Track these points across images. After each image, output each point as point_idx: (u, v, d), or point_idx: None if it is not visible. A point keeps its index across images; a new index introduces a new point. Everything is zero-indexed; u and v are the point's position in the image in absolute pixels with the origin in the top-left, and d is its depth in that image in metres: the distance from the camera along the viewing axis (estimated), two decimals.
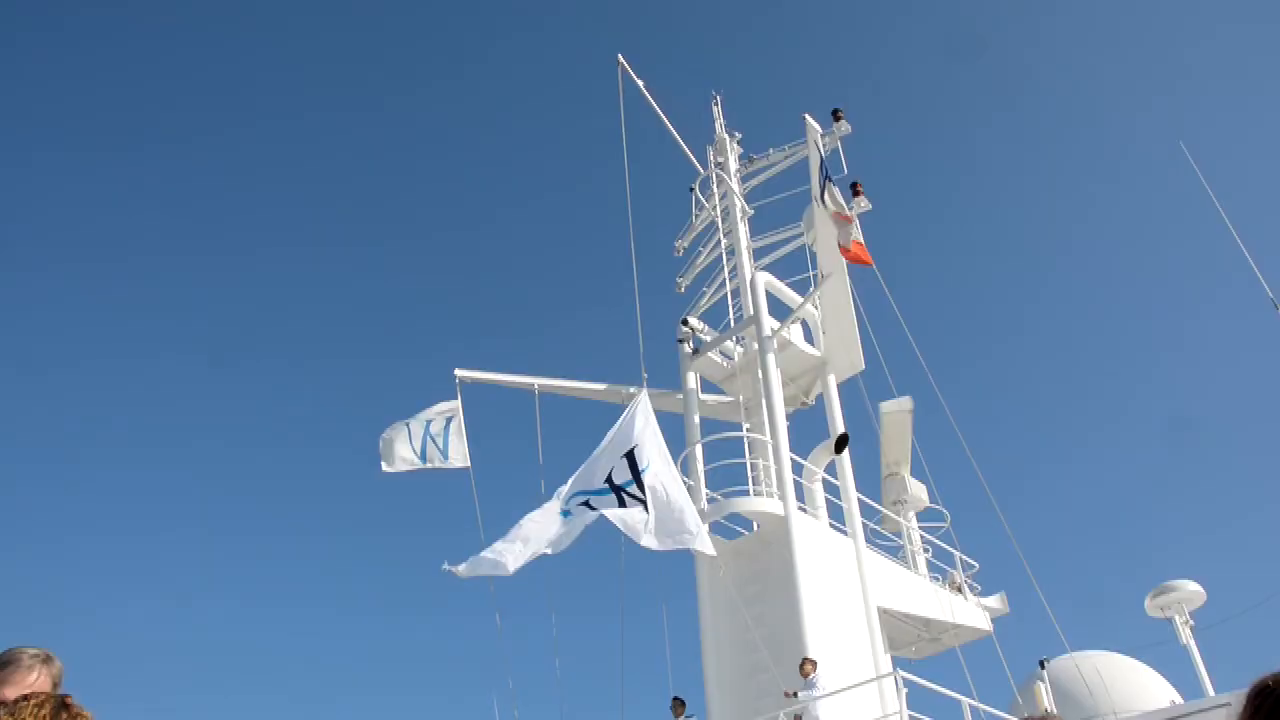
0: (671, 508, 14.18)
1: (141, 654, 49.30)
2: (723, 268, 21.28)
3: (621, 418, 15.65)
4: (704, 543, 14.46)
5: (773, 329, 18.68)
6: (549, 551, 14.07)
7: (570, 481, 14.94)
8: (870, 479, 20.46)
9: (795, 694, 13.30)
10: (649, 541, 13.98)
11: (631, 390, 18.04)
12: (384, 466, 16.49)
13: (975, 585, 19.71)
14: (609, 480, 14.67)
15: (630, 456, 14.78)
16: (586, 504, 14.54)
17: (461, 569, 13.95)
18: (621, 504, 14.29)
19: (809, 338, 19.80)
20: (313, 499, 60.42)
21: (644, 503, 14.18)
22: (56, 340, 57.45)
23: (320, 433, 60.86)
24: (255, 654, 53.30)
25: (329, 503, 60.02)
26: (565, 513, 14.59)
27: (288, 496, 60.23)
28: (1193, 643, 17.32)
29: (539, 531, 14.12)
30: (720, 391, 20.13)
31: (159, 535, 56.09)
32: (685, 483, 16.43)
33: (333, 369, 62.61)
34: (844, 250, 17.20)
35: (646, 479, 14.37)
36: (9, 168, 54.68)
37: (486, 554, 13.97)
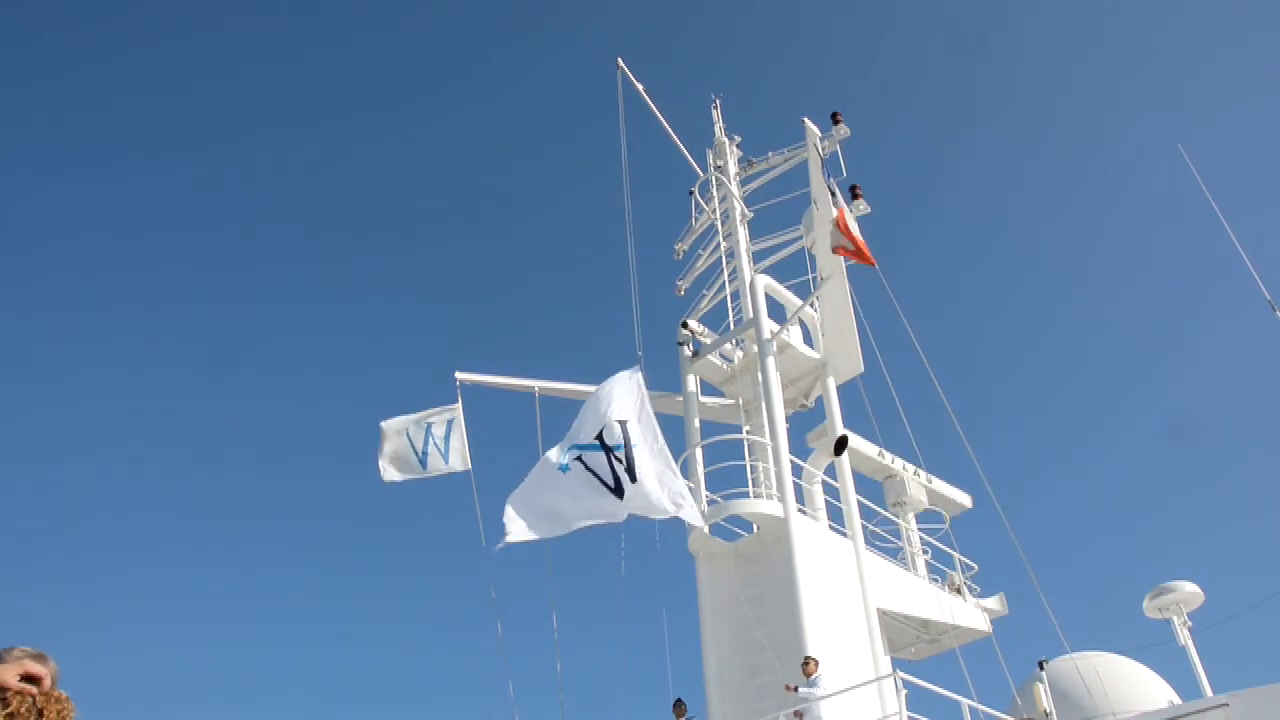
0: (660, 480, 14.07)
1: (139, 664, 49.27)
2: (722, 270, 21.36)
3: (612, 384, 15.55)
4: (691, 513, 14.33)
5: (772, 331, 18.75)
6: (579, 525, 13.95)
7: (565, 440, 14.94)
8: (867, 479, 20.54)
9: (796, 689, 13.37)
10: (632, 510, 13.85)
11: None
12: (384, 476, 16.38)
13: (974, 586, 19.78)
14: (599, 438, 14.61)
15: (624, 426, 14.71)
16: (580, 459, 14.51)
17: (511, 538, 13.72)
18: (610, 466, 14.20)
19: (808, 340, 19.87)
20: (312, 505, 60.48)
21: (628, 469, 14.08)
22: (57, 346, 57.49)
23: (320, 437, 60.92)
24: (253, 664, 53.23)
25: (328, 508, 60.03)
26: (564, 467, 14.56)
27: (286, 503, 60.29)
28: (1191, 643, 17.37)
29: (560, 503, 14.01)
30: (720, 394, 20.19)
31: (156, 544, 56.03)
32: (687, 485, 16.46)
33: (333, 373, 62.70)
34: (844, 250, 17.24)
35: (636, 454, 14.30)
36: (9, 171, 54.80)
37: (518, 516, 13.75)
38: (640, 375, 15.60)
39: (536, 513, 13.95)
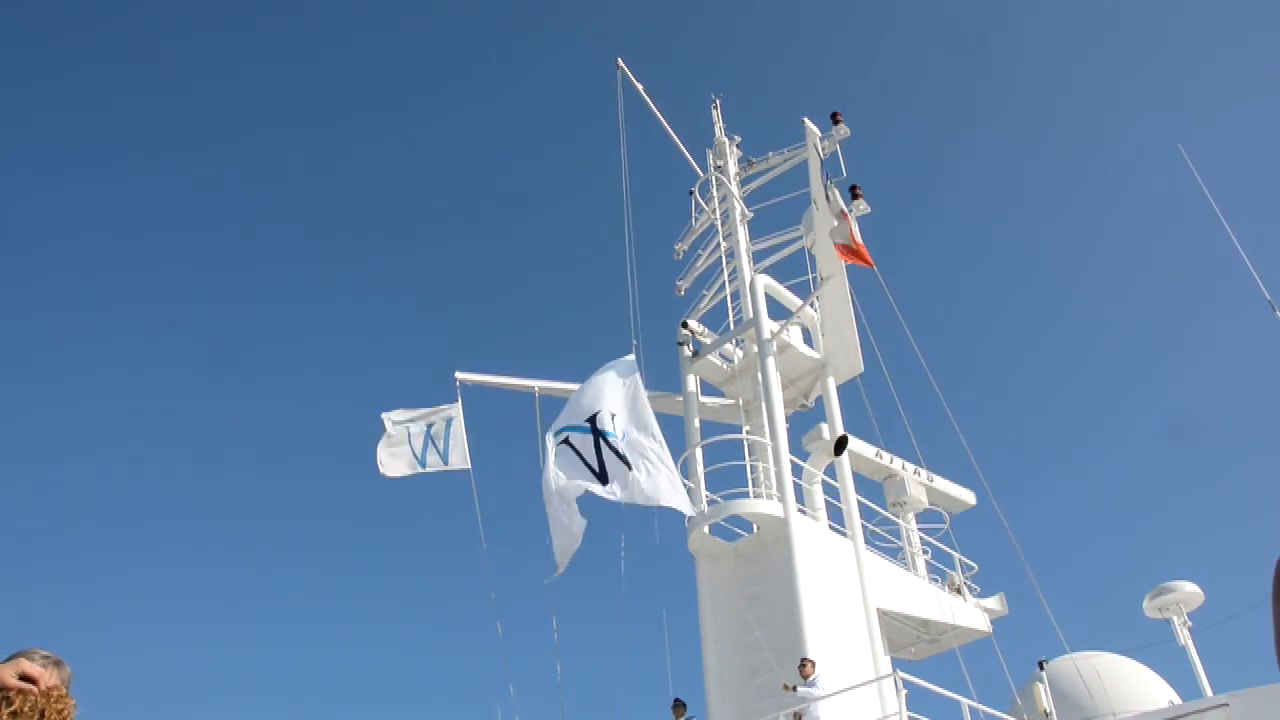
0: (647, 469, 14.13)
1: (139, 664, 49.23)
2: (722, 271, 21.36)
3: (607, 373, 15.61)
4: (681, 501, 14.33)
5: (772, 331, 18.75)
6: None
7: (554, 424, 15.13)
8: (867, 479, 20.53)
9: (794, 688, 13.37)
10: (620, 495, 13.97)
11: None
12: (382, 471, 16.43)
13: (974, 586, 19.78)
14: (591, 420, 14.68)
15: (615, 418, 14.79)
16: (567, 441, 14.63)
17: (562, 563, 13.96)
18: (598, 450, 14.29)
19: (808, 340, 19.87)
20: (312, 505, 60.46)
21: (621, 458, 14.19)
22: (57, 346, 57.49)
23: (320, 437, 60.89)
24: (253, 664, 53.15)
25: (328, 508, 60.00)
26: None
27: (286, 503, 60.27)
28: (1191, 643, 17.39)
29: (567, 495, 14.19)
30: (720, 394, 20.20)
31: (156, 544, 56.00)
32: (685, 484, 16.47)
33: (333, 373, 62.68)
34: (843, 250, 17.22)
35: (620, 445, 14.37)
36: (9, 171, 54.81)
37: (565, 531, 13.95)
38: (637, 371, 15.65)
39: (565, 525, 14.10)
